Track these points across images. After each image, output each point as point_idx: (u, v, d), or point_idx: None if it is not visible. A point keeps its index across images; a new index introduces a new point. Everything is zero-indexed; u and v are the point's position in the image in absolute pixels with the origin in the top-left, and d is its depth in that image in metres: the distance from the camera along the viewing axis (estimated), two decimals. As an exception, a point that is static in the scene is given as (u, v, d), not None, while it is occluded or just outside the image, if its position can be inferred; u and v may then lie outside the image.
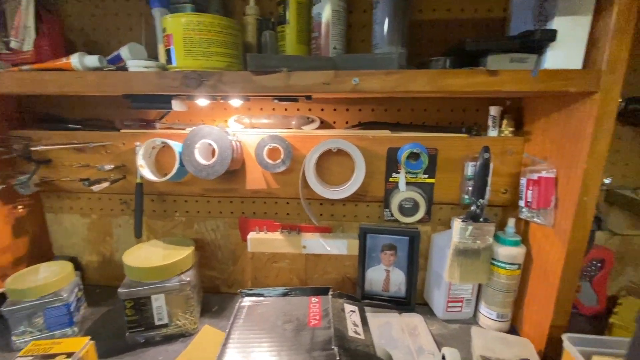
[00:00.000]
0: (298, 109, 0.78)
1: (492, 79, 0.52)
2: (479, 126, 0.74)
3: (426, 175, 0.74)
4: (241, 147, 0.73)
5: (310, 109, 0.78)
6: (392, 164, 0.74)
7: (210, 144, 0.68)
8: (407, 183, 0.74)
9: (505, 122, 0.72)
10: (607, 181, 0.75)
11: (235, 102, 0.71)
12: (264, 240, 0.81)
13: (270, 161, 0.71)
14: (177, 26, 0.54)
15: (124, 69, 0.59)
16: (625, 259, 0.81)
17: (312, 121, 0.75)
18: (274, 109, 0.78)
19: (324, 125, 0.78)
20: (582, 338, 0.54)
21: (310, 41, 0.68)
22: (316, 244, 0.80)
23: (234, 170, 0.75)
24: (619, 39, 0.49)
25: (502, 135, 0.72)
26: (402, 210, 0.75)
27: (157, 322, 0.70)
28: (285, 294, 0.53)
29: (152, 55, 0.71)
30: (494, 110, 0.71)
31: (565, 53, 0.53)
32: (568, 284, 0.59)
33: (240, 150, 0.72)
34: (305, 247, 0.80)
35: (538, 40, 0.52)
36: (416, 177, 0.74)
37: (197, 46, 0.54)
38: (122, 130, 0.77)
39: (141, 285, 0.68)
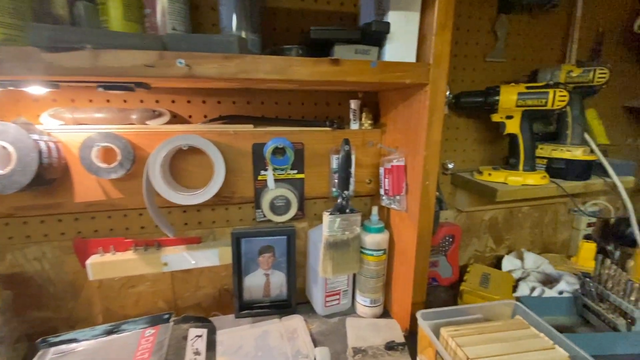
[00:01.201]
0: (142, 101, 0.66)
1: (336, 68, 0.51)
2: (342, 119, 0.75)
3: (295, 171, 0.71)
4: (59, 149, 0.57)
5: (157, 101, 0.66)
6: (259, 161, 0.69)
7: (4, 147, 0.50)
8: (276, 180, 0.70)
9: (364, 115, 0.74)
10: (450, 166, 0.85)
11: (37, 89, 0.55)
12: (111, 263, 0.66)
13: (102, 165, 0.58)
14: None
15: None
16: (470, 231, 0.95)
17: (160, 115, 0.64)
18: (108, 101, 0.64)
19: (177, 119, 0.68)
20: (434, 312, 0.58)
21: (143, 19, 0.57)
22: (180, 258, 0.69)
23: (54, 180, 0.59)
24: (441, 35, 0.54)
25: (363, 127, 0.74)
26: (274, 209, 0.71)
27: None
28: (109, 332, 0.42)
29: None
30: (353, 104, 0.73)
31: (401, 46, 0.56)
32: (422, 262, 0.64)
33: (58, 153, 0.56)
34: (166, 264, 0.68)
35: (374, 32, 0.53)
36: (285, 174, 0.70)
37: (-57, 7, 0.38)
38: None
39: None
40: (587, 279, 0.70)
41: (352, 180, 0.71)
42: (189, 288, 0.77)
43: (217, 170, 0.61)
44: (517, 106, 0.73)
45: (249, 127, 0.67)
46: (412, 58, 0.57)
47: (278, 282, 0.77)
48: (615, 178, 0.80)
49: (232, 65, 0.47)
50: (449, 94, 0.69)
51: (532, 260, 0.89)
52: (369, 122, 0.74)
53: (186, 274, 0.75)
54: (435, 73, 0.55)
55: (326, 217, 0.67)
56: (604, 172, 0.81)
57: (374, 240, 0.70)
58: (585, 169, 0.78)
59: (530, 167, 0.75)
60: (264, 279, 0.77)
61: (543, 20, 0.85)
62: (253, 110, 0.71)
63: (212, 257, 0.71)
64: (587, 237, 1.00)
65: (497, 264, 0.96)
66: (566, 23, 0.87)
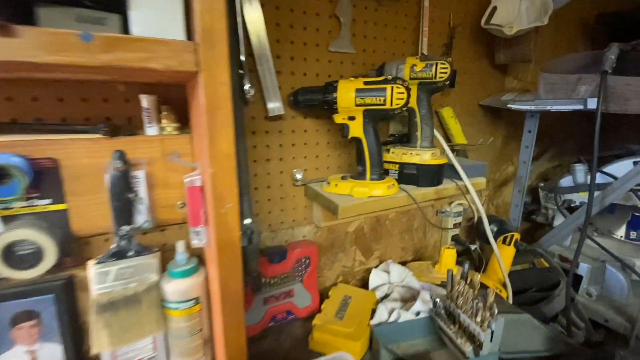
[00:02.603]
0: None
1: (10, 41, 0.30)
2: (132, 122, 0.55)
3: (47, 201, 0.48)
4: None
5: None
6: (-28, 191, 0.44)
7: None
8: (8, 217, 0.46)
9: (164, 115, 0.55)
10: (298, 176, 0.71)
11: None
12: None
13: None
14: None
15: None
16: (335, 246, 0.83)
17: None
18: None
19: None
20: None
21: None
22: None
23: None
24: (209, 2, 0.37)
25: (164, 133, 0.55)
26: (13, 260, 0.47)
27: None
28: None
29: None
30: (145, 101, 0.53)
31: (155, 16, 0.38)
32: (232, 316, 0.48)
33: None
34: None
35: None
36: (15, 208, 0.47)
37: None
38: None
39: None
40: (437, 300, 0.63)
41: (143, 207, 0.51)
42: None
43: None
44: (357, 105, 0.61)
45: (-61, 139, 0.42)
46: (177, 35, 0.39)
47: (53, 358, 0.54)
48: (467, 181, 0.75)
49: None
50: (250, 87, 0.54)
51: (397, 273, 0.81)
52: (174, 125, 0.55)
53: None
54: (208, 56, 0.38)
55: (92, 267, 0.46)
56: (457, 175, 0.76)
57: (177, 288, 0.51)
58: (435, 174, 0.71)
59: (378, 176, 0.65)
60: (28, 358, 0.52)
61: (392, 9, 0.77)
62: (-38, 110, 0.46)
63: None
64: (454, 238, 0.98)
65: (368, 278, 0.87)
66: (417, 14, 0.80)
